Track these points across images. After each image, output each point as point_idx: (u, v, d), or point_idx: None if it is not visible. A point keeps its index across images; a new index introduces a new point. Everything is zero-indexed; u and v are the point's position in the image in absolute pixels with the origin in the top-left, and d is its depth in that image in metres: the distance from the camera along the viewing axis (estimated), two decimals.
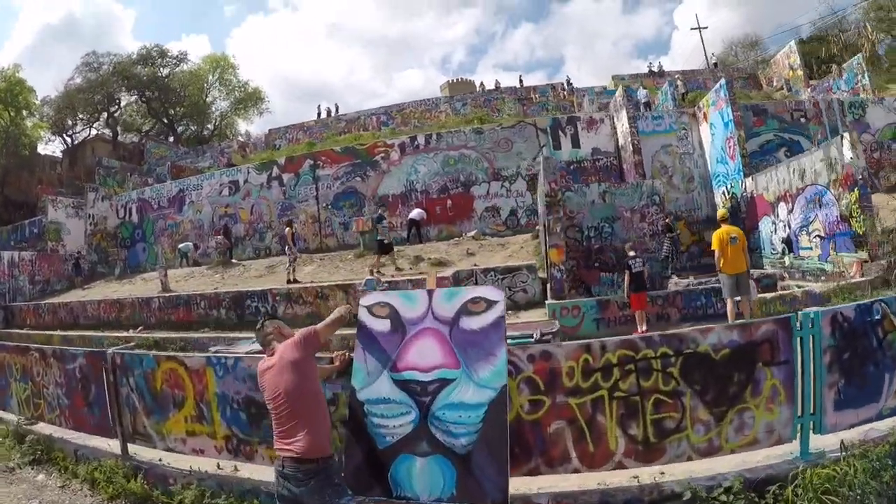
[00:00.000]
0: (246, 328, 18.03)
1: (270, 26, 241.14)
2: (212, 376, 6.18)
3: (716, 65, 48.63)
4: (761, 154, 21.97)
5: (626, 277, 13.72)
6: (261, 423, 5.72)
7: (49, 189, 42.44)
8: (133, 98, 57.23)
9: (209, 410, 6.22)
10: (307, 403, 4.29)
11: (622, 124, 24.16)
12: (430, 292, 5.20)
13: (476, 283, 16.08)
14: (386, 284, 16.65)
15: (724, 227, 12.55)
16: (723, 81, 21.75)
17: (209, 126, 61.19)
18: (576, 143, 25.34)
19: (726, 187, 21.10)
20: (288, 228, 21.05)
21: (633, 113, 23.97)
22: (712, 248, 12.65)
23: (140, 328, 20.75)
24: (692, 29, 55.31)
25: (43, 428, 8.77)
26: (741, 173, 19.91)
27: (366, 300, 5.36)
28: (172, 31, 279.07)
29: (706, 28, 55.07)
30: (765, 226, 18.50)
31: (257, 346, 5.19)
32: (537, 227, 21.30)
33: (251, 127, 61.39)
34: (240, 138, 51.37)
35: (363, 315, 5.30)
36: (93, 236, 33.43)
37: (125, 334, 20.15)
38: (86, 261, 32.38)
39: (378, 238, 20.09)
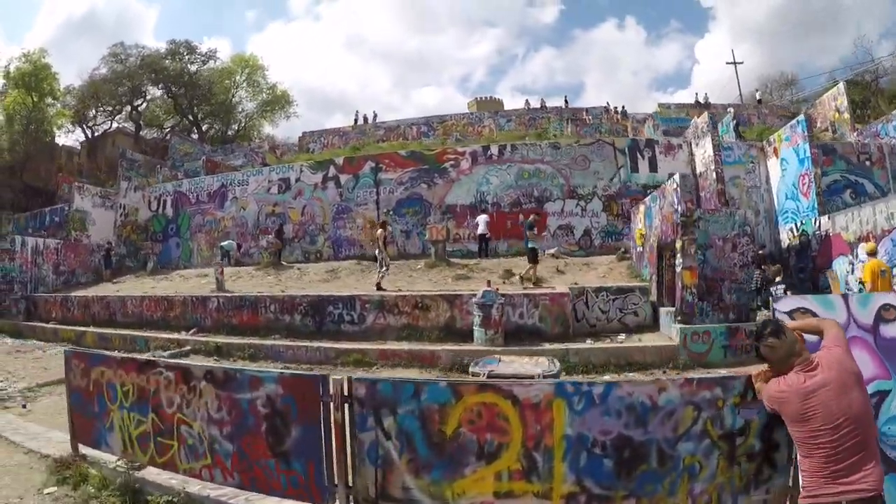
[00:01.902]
0: (326, 338, 15.80)
1: (291, 33, 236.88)
2: (562, 412, 4.13)
3: (759, 101, 46.31)
4: (828, 194, 19.96)
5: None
6: (633, 472, 4.04)
7: (69, 178, 39.30)
8: (159, 93, 54.41)
9: (547, 460, 4.14)
10: (873, 426, 3.33)
11: (703, 151, 22.21)
12: (844, 297, 4.42)
13: (587, 303, 15.17)
14: (502, 298, 14.23)
15: (874, 261, 12.61)
16: (802, 118, 20.26)
17: (234, 126, 58.37)
18: (653, 167, 23.53)
19: (795, 224, 19.36)
20: (381, 230, 18.32)
21: (717, 141, 22.03)
22: (863, 280, 12.62)
23: (193, 330, 17.79)
24: (728, 63, 53.25)
25: (162, 478, 6.02)
26: (815, 211, 18.46)
27: (783, 305, 4.34)
28: (194, 32, 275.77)
29: (741, 63, 51.95)
30: (840, 265, 16.71)
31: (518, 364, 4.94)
32: (620, 250, 20.40)
33: (276, 130, 58.63)
34: (268, 140, 48.54)
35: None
36: (122, 228, 30.32)
37: (177, 336, 17.34)
38: (115, 253, 29.12)
39: (530, 246, 17.57)
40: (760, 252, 17.99)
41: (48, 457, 7.06)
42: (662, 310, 14.97)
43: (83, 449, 6.80)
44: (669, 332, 14.05)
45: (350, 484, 4.60)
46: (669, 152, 23.64)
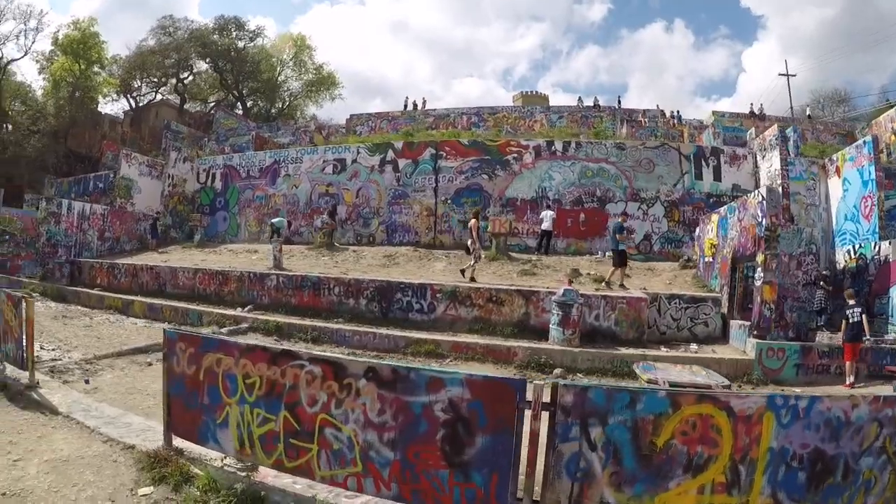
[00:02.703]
0: (391, 325, 15.08)
1: (336, 16, 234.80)
2: (770, 424, 4.03)
3: (809, 116, 44.79)
4: (888, 218, 18.87)
5: (843, 325, 12.72)
6: (821, 486, 4.04)
7: (114, 145, 38.72)
8: (206, 67, 53.72)
9: (749, 473, 4.02)
10: None
11: (770, 164, 21.43)
12: None
13: (659, 309, 14.71)
14: (582, 298, 13.60)
15: None
16: (869, 138, 19.13)
17: (278, 105, 57.57)
18: (717, 177, 22.75)
19: (853, 246, 18.16)
20: (474, 220, 17.38)
21: (785, 155, 21.13)
22: None
23: (249, 307, 16.95)
24: (780, 74, 51.86)
25: (286, 483, 5.31)
26: (876, 235, 17.46)
27: None
28: (239, 10, 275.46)
29: (794, 76, 50.37)
30: None
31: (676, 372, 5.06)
32: (683, 258, 19.96)
33: (320, 111, 57.83)
34: (313, 121, 47.77)
35: None
36: (169, 198, 29.51)
37: (233, 313, 16.44)
38: (161, 223, 28.32)
39: (620, 248, 16.69)
40: (825, 273, 17.34)
41: (133, 448, 6.17)
42: (734, 322, 14.50)
43: (178, 442, 5.94)
44: (741, 346, 13.69)
45: (537, 498, 4.16)
46: (734, 162, 22.81)
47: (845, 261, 18.31)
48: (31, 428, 6.84)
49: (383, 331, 14.37)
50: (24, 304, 8.10)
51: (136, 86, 52.68)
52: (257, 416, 5.11)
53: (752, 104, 43.47)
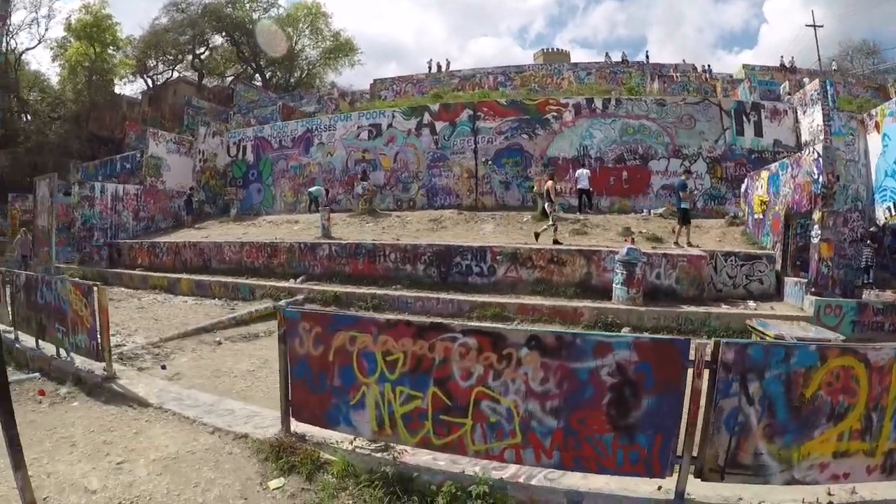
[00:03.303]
0: (451, 289, 14.80)
1: None
2: None
3: (836, 70, 43.44)
4: None
5: None
6: None
7: (136, 126, 38.41)
8: (221, 41, 52.91)
9: (879, 419, 4.22)
10: None
11: (811, 120, 20.82)
12: None
13: (715, 267, 14.59)
14: (645, 257, 13.69)
15: None
16: None
17: (296, 74, 56.70)
18: (758, 132, 22.08)
19: (893, 203, 17.64)
20: (550, 182, 17.04)
21: (827, 110, 20.37)
22: None
23: (302, 278, 16.65)
24: (807, 26, 49.52)
25: (428, 460, 5.08)
26: None
27: None
28: None
29: (821, 27, 48.80)
30: None
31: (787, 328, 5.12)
32: (729, 214, 19.62)
33: (339, 78, 57.06)
34: (336, 88, 47.06)
35: None
36: (201, 174, 29.05)
37: (286, 284, 16.20)
38: (196, 199, 27.91)
39: (683, 206, 16.44)
40: (873, 230, 16.94)
41: (246, 437, 5.78)
42: (788, 279, 14.39)
43: (295, 427, 5.59)
44: (797, 303, 13.58)
45: (695, 454, 4.29)
46: (775, 117, 22.13)
47: (885, 217, 17.84)
48: (123, 424, 6.45)
49: (446, 295, 14.13)
50: (95, 293, 7.63)
51: (151, 65, 51.99)
52: (400, 395, 4.86)
53: (781, 57, 42.04)
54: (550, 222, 16.47)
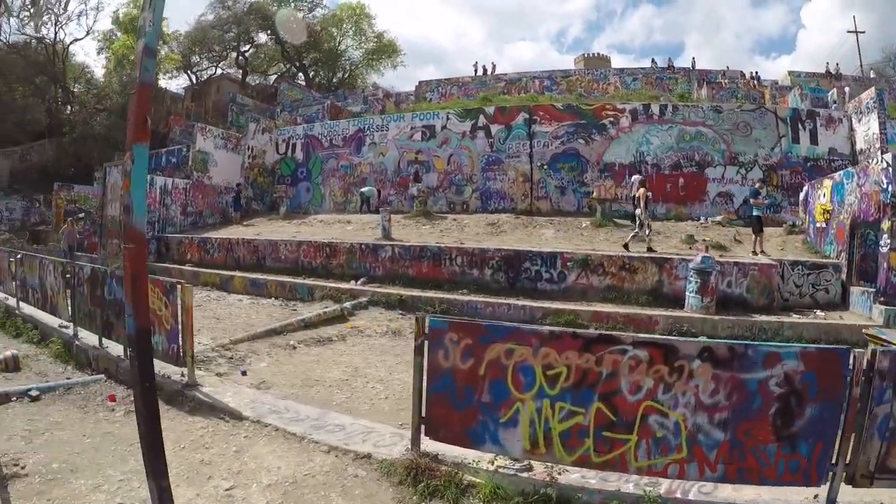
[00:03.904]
0: (520, 295, 14.55)
1: None
2: None
3: (875, 77, 42.46)
4: None
5: None
6: None
7: (181, 120, 38.45)
8: (266, 39, 52.94)
9: None
10: None
11: (867, 128, 20.58)
12: None
13: (783, 275, 14.26)
14: (718, 266, 13.38)
15: None
16: None
17: (339, 74, 56.65)
18: (814, 140, 21.70)
19: None
20: (642, 189, 16.68)
21: (883, 118, 20.11)
22: None
23: (363, 280, 16.31)
24: (849, 32, 48.84)
25: (569, 478, 4.79)
26: None
27: None
28: None
29: (863, 32, 47.82)
30: None
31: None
32: (788, 223, 19.19)
33: (381, 79, 56.98)
34: (381, 90, 46.95)
35: None
36: (249, 170, 28.87)
37: (346, 286, 15.76)
38: (244, 196, 27.74)
39: (755, 214, 16.21)
40: None
41: (369, 457, 5.32)
42: (854, 289, 13.98)
43: (426, 446, 5.18)
44: (865, 312, 13.17)
45: (847, 461, 4.26)
46: (830, 125, 21.72)
47: None
48: (219, 440, 5.91)
49: (518, 301, 13.75)
50: (179, 291, 7.18)
51: (195, 61, 52.24)
52: (560, 411, 4.58)
53: (827, 63, 41.21)
54: (638, 229, 16.37)
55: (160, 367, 7.39)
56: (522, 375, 4.66)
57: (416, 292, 14.73)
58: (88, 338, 9.09)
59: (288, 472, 5.15)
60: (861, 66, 45.94)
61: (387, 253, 16.58)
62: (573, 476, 4.75)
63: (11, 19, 41.91)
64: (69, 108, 44.98)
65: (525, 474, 4.82)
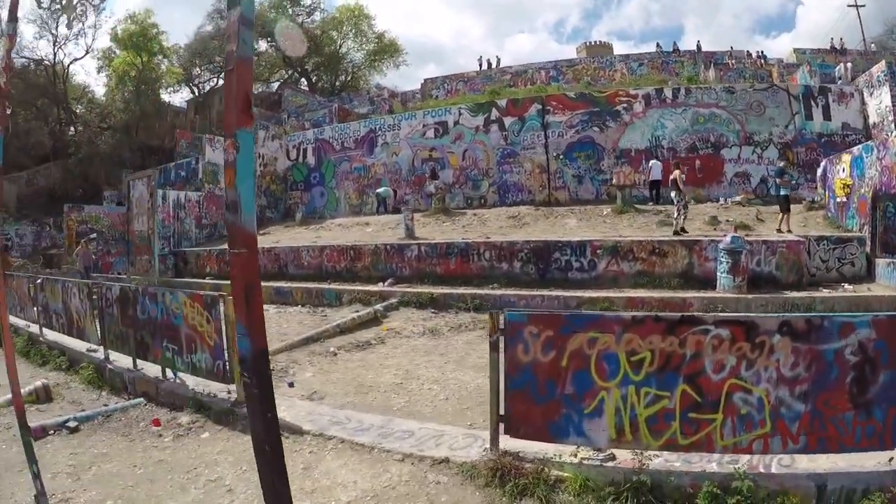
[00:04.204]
0: (551, 286, 14.36)
1: None
2: None
3: (874, 51, 42.20)
4: None
5: None
6: None
7: (187, 134, 38.38)
8: (266, 47, 52.65)
9: None
10: None
11: (880, 101, 20.52)
12: None
13: (809, 251, 14.25)
14: (748, 246, 13.38)
15: None
16: None
17: (341, 77, 56.45)
18: (826, 116, 21.72)
19: None
20: (677, 171, 16.66)
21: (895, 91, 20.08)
22: None
23: (390, 281, 16.15)
24: (849, 6, 48.50)
25: (655, 463, 4.73)
26: None
27: None
28: None
29: (863, 6, 47.45)
30: None
31: None
32: (806, 199, 19.23)
33: (384, 80, 56.80)
34: (386, 90, 46.82)
35: None
36: (261, 178, 28.67)
37: (375, 288, 15.58)
38: (258, 204, 27.51)
39: (783, 192, 16.17)
40: None
41: (447, 461, 5.15)
42: (880, 261, 14.04)
43: (504, 444, 5.06)
44: (891, 283, 13.28)
45: None
46: (842, 101, 21.70)
47: None
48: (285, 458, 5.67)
49: (550, 292, 13.62)
50: (222, 305, 6.82)
51: (196, 73, 52.13)
52: (645, 396, 4.56)
53: (831, 39, 40.86)
54: (683, 209, 16.28)
55: (202, 384, 7.39)
56: (606, 363, 4.60)
57: (446, 290, 14.58)
58: (121, 360, 8.83)
59: (366, 485, 4.98)
60: (863, 39, 45.67)
61: (413, 252, 16.44)
62: (656, 461, 4.69)
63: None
64: (73, 128, 44.90)
65: (610, 464, 4.72)
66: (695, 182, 21.54)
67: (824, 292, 12.90)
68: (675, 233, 15.69)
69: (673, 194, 16.49)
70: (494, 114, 24.01)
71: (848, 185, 16.64)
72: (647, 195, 21.08)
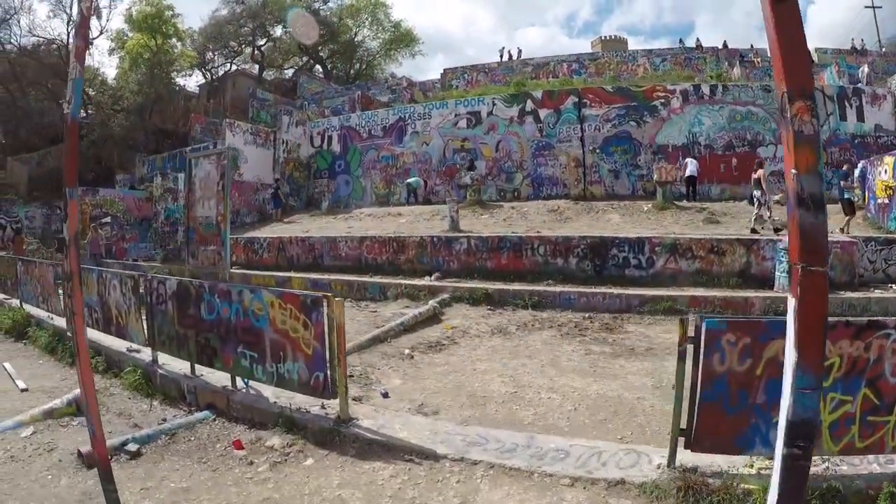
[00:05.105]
0: (608, 283, 13.87)
1: None
2: None
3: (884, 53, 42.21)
4: None
5: None
6: None
7: (202, 118, 37.80)
8: (282, 32, 52.23)
9: None
10: None
11: None
12: None
13: (860, 252, 14.11)
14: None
15: None
16: None
17: (356, 66, 55.91)
18: (860, 117, 21.86)
19: None
20: (760, 170, 16.60)
21: None
22: None
23: (436, 275, 15.51)
24: (866, 7, 48.29)
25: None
26: None
27: None
28: None
29: (880, 7, 47.39)
30: None
31: None
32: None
33: (399, 69, 56.24)
34: (405, 79, 46.22)
35: None
36: (285, 165, 28.18)
37: (421, 282, 14.93)
38: (282, 191, 27.03)
39: (847, 196, 16.46)
40: None
41: (622, 483, 4.58)
42: None
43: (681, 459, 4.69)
44: None
45: None
46: (875, 102, 21.87)
47: None
48: (427, 490, 4.74)
49: (612, 290, 13.14)
50: (325, 307, 5.67)
51: (210, 58, 51.49)
52: (831, 402, 4.41)
53: (852, 39, 41.05)
54: (757, 211, 16.20)
55: (284, 396, 6.41)
56: None
57: (499, 285, 14.06)
58: (172, 364, 7.77)
59: None
60: (879, 40, 45.53)
61: (462, 245, 15.93)
62: (843, 466, 4.62)
63: (22, 20, 41.09)
64: (85, 111, 44.16)
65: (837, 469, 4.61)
66: (731, 180, 21.82)
67: (877, 293, 12.80)
68: (753, 230, 15.54)
69: (757, 193, 16.34)
70: (529, 105, 23.64)
71: (890, 188, 16.63)
72: (682, 192, 20.84)
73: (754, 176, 16.58)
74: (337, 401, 5.84)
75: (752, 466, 4.60)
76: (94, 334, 9.31)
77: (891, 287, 13.35)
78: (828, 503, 4.09)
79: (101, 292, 9.28)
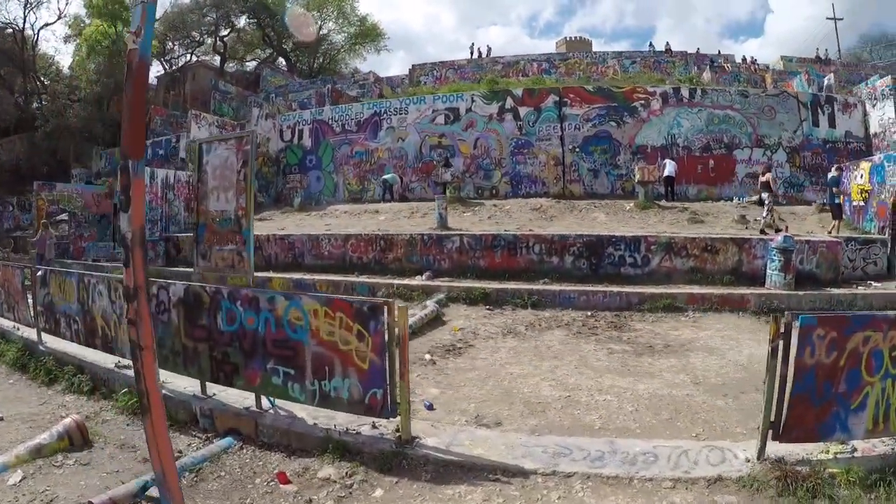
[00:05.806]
0: (605, 281, 13.95)
1: None
2: None
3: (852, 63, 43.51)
4: None
5: None
6: None
7: (162, 110, 36.65)
8: (246, 23, 50.95)
9: None
10: None
11: (882, 113, 21.92)
12: None
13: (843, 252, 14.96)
14: (797, 245, 13.97)
15: None
16: None
17: (319, 60, 54.79)
18: (832, 124, 22.91)
19: None
20: (769, 173, 17.45)
21: None
22: None
23: (427, 274, 15.07)
24: (828, 18, 49.88)
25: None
26: None
27: None
28: None
29: (841, 20, 48.93)
30: None
31: None
32: (817, 202, 20.12)
33: (363, 64, 55.46)
34: (372, 74, 45.63)
35: None
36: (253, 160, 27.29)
37: (412, 282, 14.49)
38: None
39: (837, 202, 17.32)
40: None
41: (719, 479, 4.59)
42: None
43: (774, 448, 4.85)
44: None
45: None
46: (846, 110, 22.92)
47: None
48: None
49: (611, 288, 13.17)
50: (385, 315, 5.07)
51: (169, 48, 49.79)
52: None
53: (816, 49, 42.72)
54: (766, 212, 16.61)
55: (316, 414, 5.81)
56: (874, 360, 4.77)
57: (494, 284, 13.75)
58: (175, 383, 6.81)
59: None
60: (839, 50, 47.00)
61: (454, 244, 15.54)
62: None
63: None
64: (39, 100, 42.39)
65: (858, 453, 4.92)
66: (707, 181, 22.55)
67: (860, 289, 13.49)
68: (762, 231, 15.93)
69: (765, 195, 16.82)
70: (509, 103, 23.53)
71: (866, 191, 17.59)
72: (660, 191, 21.14)
73: (762, 179, 17.20)
74: (392, 419, 5.31)
75: (828, 452, 4.91)
76: (72, 347, 8.49)
77: (870, 284, 14.10)
78: None
79: (82, 299, 8.12)
